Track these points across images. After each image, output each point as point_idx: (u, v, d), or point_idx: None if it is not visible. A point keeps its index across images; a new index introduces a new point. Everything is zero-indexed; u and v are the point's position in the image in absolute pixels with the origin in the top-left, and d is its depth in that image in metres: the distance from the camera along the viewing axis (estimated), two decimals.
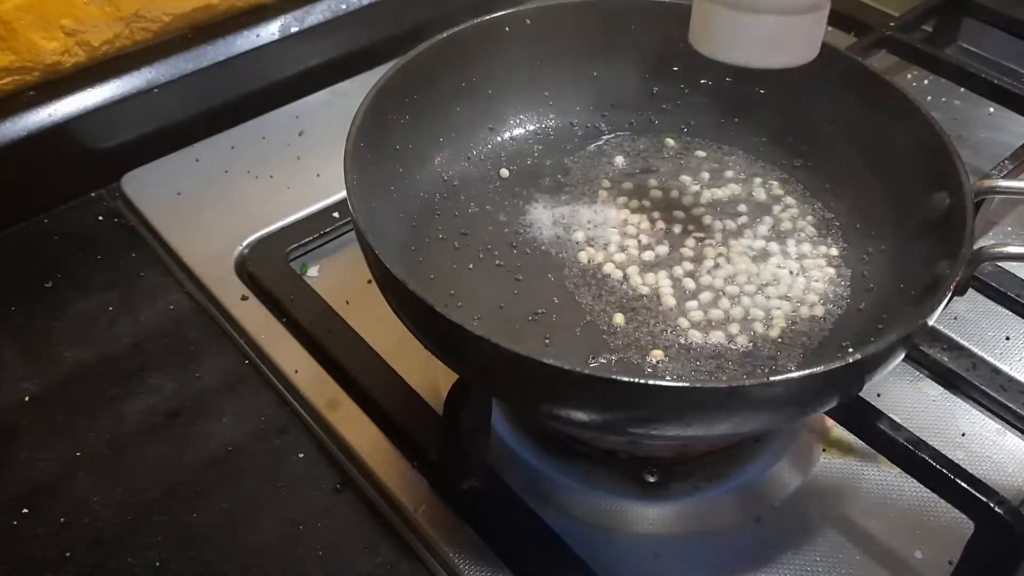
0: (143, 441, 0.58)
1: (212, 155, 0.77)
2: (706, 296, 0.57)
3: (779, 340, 0.55)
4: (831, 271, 0.59)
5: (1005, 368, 0.62)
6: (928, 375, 0.62)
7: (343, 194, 0.73)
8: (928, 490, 0.50)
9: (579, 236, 0.61)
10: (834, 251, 0.60)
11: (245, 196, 0.73)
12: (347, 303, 0.66)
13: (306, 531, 0.54)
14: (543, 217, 0.62)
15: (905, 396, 0.61)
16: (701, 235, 0.61)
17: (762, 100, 0.66)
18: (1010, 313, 0.62)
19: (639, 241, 0.61)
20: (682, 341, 0.55)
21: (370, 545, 0.54)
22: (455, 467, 0.55)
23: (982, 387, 0.61)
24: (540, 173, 0.65)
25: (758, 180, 0.65)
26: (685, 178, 0.65)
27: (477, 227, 0.61)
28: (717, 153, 0.67)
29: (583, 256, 0.60)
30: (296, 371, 0.61)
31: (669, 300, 0.57)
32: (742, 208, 0.63)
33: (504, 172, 0.65)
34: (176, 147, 0.77)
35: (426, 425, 0.57)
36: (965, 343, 0.63)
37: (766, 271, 0.59)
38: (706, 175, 0.66)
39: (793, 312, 0.56)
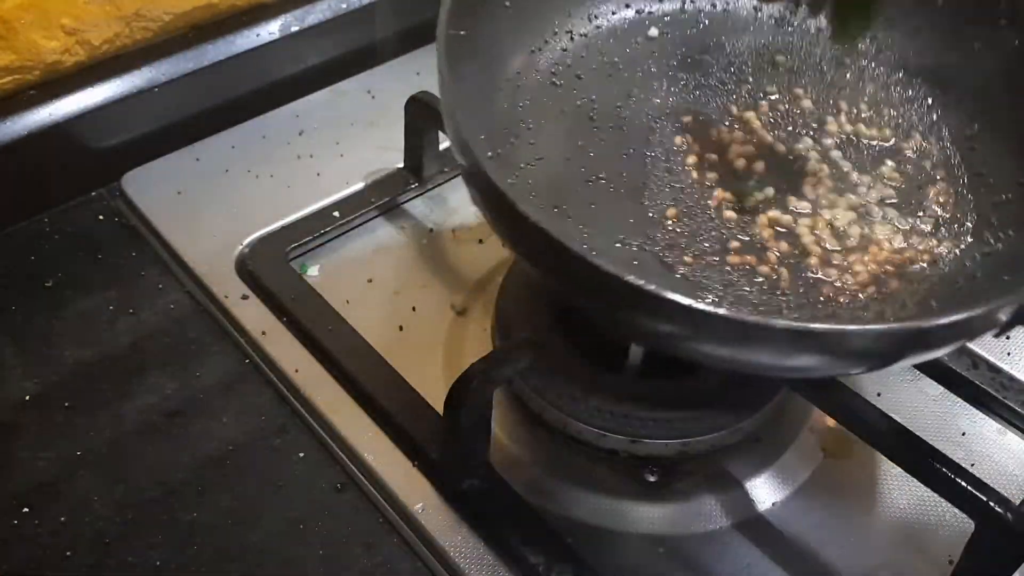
0: (143, 440, 0.58)
1: (212, 154, 0.77)
2: (768, 233, 0.52)
3: (812, 281, 0.50)
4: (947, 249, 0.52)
5: (1005, 368, 0.62)
6: (928, 375, 0.62)
7: (343, 193, 0.73)
8: (928, 490, 0.50)
9: (687, 119, 0.57)
10: (955, 239, 0.53)
11: (245, 195, 0.73)
12: (347, 302, 0.66)
13: (306, 530, 0.54)
14: (666, 91, 0.59)
15: (905, 396, 0.61)
16: (818, 172, 0.55)
17: (977, 53, 0.59)
18: None
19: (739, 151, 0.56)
20: (716, 259, 0.51)
21: (370, 544, 0.54)
22: (455, 466, 0.55)
23: (982, 387, 0.61)
24: (694, 47, 0.62)
25: (917, 137, 0.58)
26: (841, 103, 0.60)
27: (592, 77, 0.59)
28: (892, 91, 0.61)
29: (678, 140, 0.56)
30: (296, 370, 0.61)
31: (730, 215, 0.53)
32: (888, 163, 0.57)
33: (653, 31, 0.62)
34: (176, 146, 0.77)
35: (426, 424, 0.57)
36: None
37: (860, 231, 0.53)
38: (864, 107, 0.59)
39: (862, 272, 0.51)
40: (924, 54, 0.60)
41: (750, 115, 0.58)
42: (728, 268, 0.51)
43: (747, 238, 0.52)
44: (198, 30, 0.79)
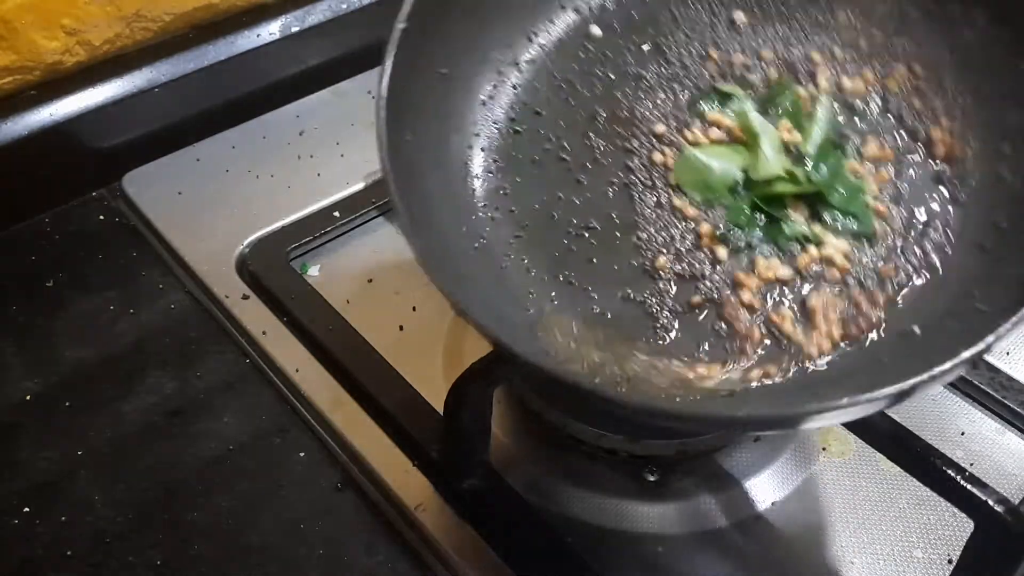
0: (144, 440, 0.58)
1: (213, 155, 0.77)
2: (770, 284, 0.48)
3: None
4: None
5: (1005, 368, 0.62)
6: None
7: (343, 193, 0.73)
8: (928, 489, 0.50)
9: (660, 129, 0.53)
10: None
11: (246, 195, 0.73)
12: (347, 302, 0.66)
13: (307, 530, 0.54)
14: (631, 98, 0.55)
15: None
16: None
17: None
18: None
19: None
20: (715, 303, 0.48)
21: (371, 544, 0.54)
22: (455, 466, 0.55)
23: (982, 386, 0.61)
24: (643, 33, 0.56)
25: (902, 69, 0.51)
26: (815, 55, 0.54)
27: (550, 110, 0.55)
28: (867, 13, 0.53)
29: (656, 156, 0.52)
30: (297, 370, 0.61)
31: (721, 251, 0.50)
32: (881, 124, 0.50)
33: (596, 30, 0.56)
34: (177, 147, 0.77)
35: (426, 424, 0.57)
36: None
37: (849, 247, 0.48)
38: (837, 50, 0.53)
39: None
40: None
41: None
42: (728, 315, 0.48)
43: (741, 273, 0.49)
44: (198, 30, 0.79)
